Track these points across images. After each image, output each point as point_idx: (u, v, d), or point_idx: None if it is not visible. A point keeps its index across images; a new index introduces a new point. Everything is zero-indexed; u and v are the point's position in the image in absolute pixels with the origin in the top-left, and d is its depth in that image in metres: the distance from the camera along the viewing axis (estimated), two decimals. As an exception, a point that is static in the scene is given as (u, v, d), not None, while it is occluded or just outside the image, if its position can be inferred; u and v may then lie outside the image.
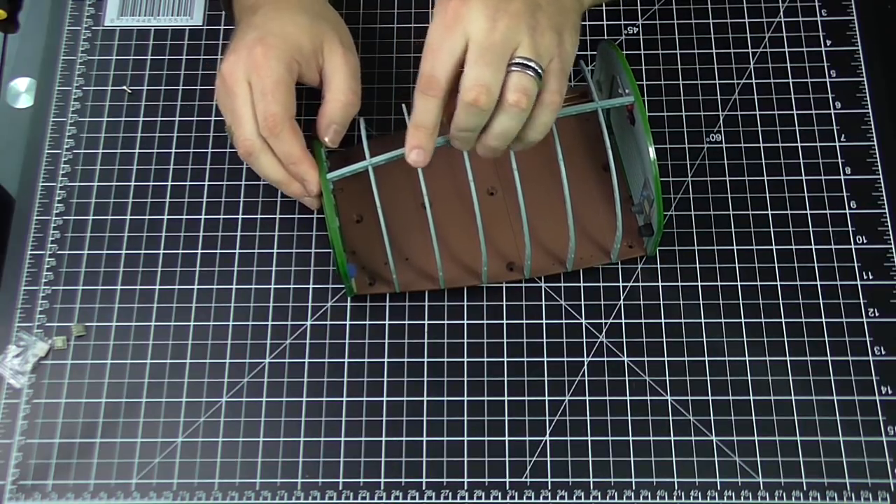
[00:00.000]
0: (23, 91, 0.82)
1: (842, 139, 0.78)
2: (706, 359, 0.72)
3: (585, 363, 0.72)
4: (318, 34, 0.69)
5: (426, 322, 0.73)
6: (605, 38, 0.82)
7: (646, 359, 0.72)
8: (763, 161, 0.78)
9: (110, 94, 0.81)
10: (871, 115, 0.79)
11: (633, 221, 0.75)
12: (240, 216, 0.77)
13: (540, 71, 0.59)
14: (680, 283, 0.74)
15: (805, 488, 0.68)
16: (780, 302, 0.73)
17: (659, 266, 0.75)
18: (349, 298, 0.74)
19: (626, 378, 0.71)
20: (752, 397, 0.71)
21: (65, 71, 0.82)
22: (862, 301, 0.73)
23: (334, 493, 0.69)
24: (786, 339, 0.72)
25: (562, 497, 0.69)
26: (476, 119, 0.60)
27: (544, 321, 0.73)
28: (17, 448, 0.71)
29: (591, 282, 0.74)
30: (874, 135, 0.78)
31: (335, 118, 0.69)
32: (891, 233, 0.75)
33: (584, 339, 0.73)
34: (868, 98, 0.80)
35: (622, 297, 0.74)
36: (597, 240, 0.74)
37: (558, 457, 0.69)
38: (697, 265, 0.75)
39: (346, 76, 0.69)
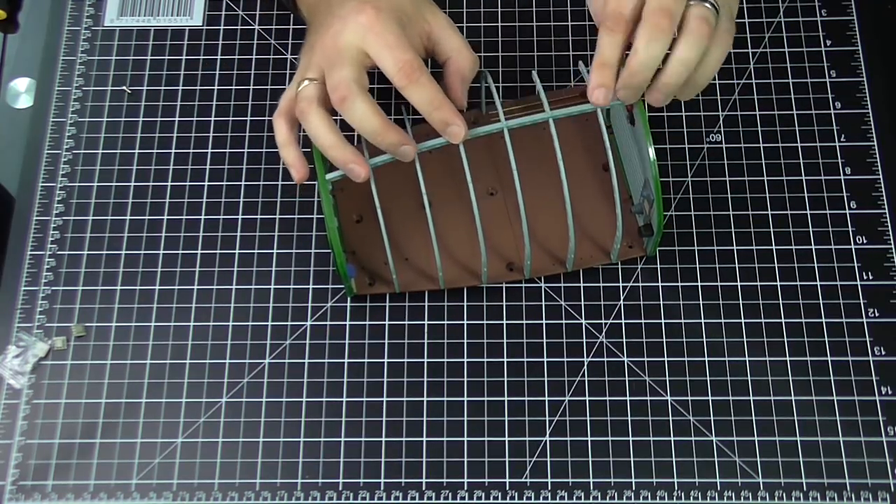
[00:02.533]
0: (22, 91, 0.82)
1: (842, 139, 0.78)
2: (706, 359, 0.72)
3: (585, 363, 0.72)
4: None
5: (426, 322, 0.73)
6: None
7: (646, 359, 0.72)
8: (763, 161, 0.78)
9: (110, 94, 0.81)
10: (871, 115, 0.79)
11: (633, 222, 0.75)
12: (240, 216, 0.77)
13: (717, 6, 0.61)
14: (680, 284, 0.74)
15: (805, 489, 0.68)
16: (780, 302, 0.73)
17: (659, 266, 0.75)
18: (349, 299, 0.74)
19: (626, 378, 0.71)
20: (752, 397, 0.71)
21: (64, 71, 0.82)
22: (862, 301, 0.73)
23: (334, 494, 0.69)
24: (786, 339, 0.72)
25: (562, 497, 0.69)
26: (657, 46, 0.60)
27: (544, 321, 0.73)
28: (17, 448, 0.71)
29: (591, 282, 0.74)
30: (874, 135, 0.78)
31: (465, 74, 0.68)
32: (891, 233, 0.75)
33: (584, 340, 0.73)
34: (868, 98, 0.79)
35: (622, 298, 0.74)
36: (597, 240, 0.74)
37: (558, 457, 0.69)
38: (697, 265, 0.75)
39: (460, 36, 0.68)
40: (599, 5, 0.63)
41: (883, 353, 0.72)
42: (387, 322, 0.74)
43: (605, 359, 0.72)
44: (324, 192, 0.67)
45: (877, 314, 0.73)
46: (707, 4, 0.61)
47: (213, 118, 0.80)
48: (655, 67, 0.61)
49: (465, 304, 0.74)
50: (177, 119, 0.80)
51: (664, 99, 0.63)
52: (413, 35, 0.66)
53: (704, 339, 0.72)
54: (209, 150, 0.79)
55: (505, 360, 0.72)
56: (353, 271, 0.73)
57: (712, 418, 0.70)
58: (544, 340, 0.73)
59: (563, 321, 0.73)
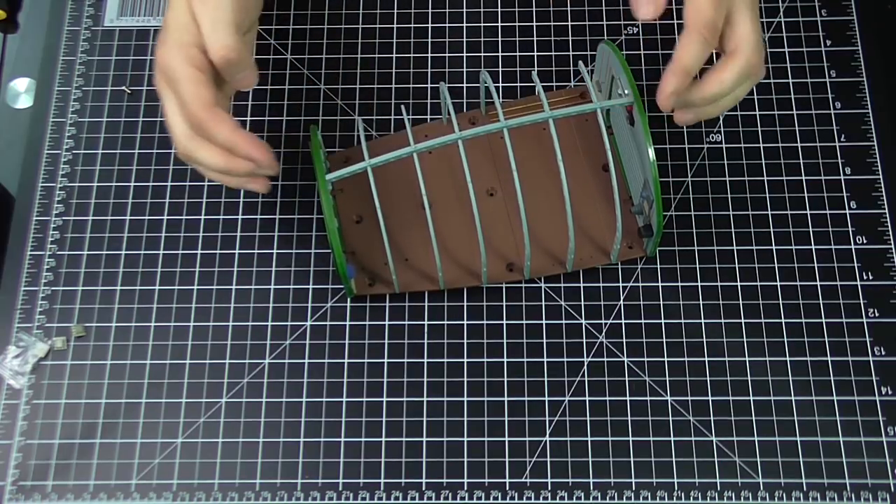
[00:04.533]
0: (22, 91, 0.82)
1: (842, 139, 0.78)
2: (706, 359, 0.72)
3: (585, 363, 0.72)
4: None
5: (426, 323, 0.73)
6: (605, 38, 0.82)
7: (646, 359, 0.72)
8: (763, 161, 0.78)
9: (110, 94, 0.81)
10: (871, 115, 0.79)
11: (633, 222, 0.75)
12: (240, 216, 0.77)
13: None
14: (680, 284, 0.74)
15: (805, 489, 0.68)
16: (780, 302, 0.73)
17: (659, 266, 0.75)
18: (349, 299, 0.74)
19: (626, 378, 0.71)
20: (752, 397, 0.71)
21: (64, 71, 0.82)
22: (862, 301, 0.73)
23: (334, 494, 0.69)
24: (786, 339, 0.72)
25: (562, 497, 0.69)
26: (747, 85, 0.63)
27: (544, 322, 0.73)
28: (17, 449, 0.71)
29: (591, 282, 0.74)
30: (874, 135, 0.78)
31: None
32: (891, 233, 0.75)
33: (584, 340, 0.73)
34: (868, 98, 0.79)
35: (622, 298, 0.74)
36: (596, 240, 0.74)
37: (558, 457, 0.69)
38: (697, 265, 0.75)
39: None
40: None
41: (883, 353, 0.72)
42: (387, 322, 0.74)
43: (605, 359, 0.72)
44: (324, 193, 0.67)
45: (877, 314, 0.73)
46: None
47: (212, 118, 0.80)
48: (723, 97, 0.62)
49: (465, 304, 0.74)
50: (177, 119, 0.80)
51: (693, 120, 0.65)
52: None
53: (704, 339, 0.72)
54: (209, 151, 0.79)
55: (505, 360, 0.72)
56: (353, 272, 0.73)
57: (712, 418, 0.70)
58: (544, 340, 0.73)
59: (563, 321, 0.73)
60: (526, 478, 0.69)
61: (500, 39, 0.83)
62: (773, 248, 0.75)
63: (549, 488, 0.69)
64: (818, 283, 0.74)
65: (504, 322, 0.73)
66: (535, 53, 0.82)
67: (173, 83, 0.62)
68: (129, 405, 0.72)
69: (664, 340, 0.72)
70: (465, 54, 0.82)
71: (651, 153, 0.67)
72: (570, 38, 0.82)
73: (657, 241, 0.72)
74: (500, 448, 0.70)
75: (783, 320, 0.73)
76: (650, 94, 0.79)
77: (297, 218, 0.77)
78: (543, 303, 0.74)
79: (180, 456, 0.70)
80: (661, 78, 0.62)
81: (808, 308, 0.73)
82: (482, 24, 0.83)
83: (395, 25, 0.83)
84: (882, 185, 0.77)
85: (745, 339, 0.72)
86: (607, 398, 0.71)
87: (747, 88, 0.65)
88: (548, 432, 0.70)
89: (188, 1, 0.63)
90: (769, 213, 0.76)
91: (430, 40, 0.83)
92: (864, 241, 0.75)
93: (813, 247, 0.75)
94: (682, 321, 0.73)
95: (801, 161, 0.78)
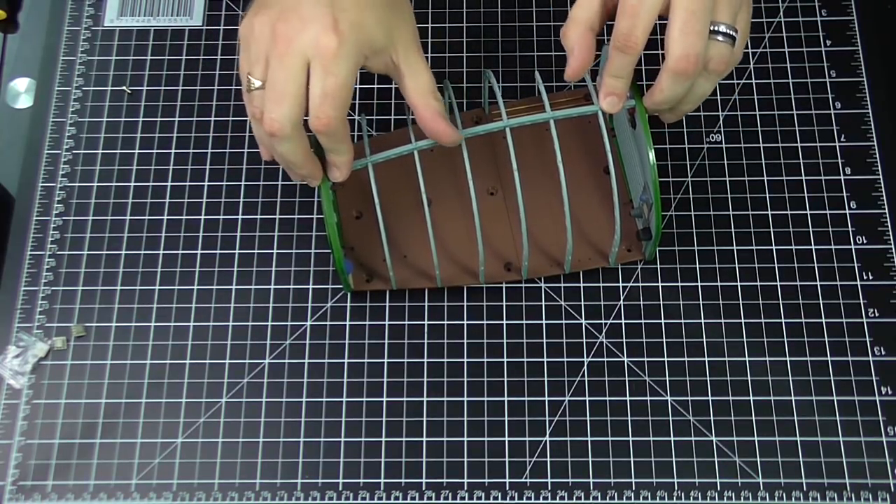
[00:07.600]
0: (22, 91, 0.82)
1: (842, 139, 0.78)
2: (706, 359, 0.72)
3: (585, 363, 0.72)
4: (392, 29, 0.63)
5: (426, 322, 0.73)
6: (607, 39, 0.81)
7: (645, 359, 0.72)
8: (763, 161, 0.78)
9: (110, 94, 0.81)
10: (871, 115, 0.79)
11: (633, 225, 0.75)
12: (239, 216, 0.77)
13: (735, 36, 0.60)
14: (680, 284, 0.74)
15: (805, 489, 0.68)
16: (780, 302, 0.73)
17: (659, 266, 0.75)
18: (349, 299, 0.74)
19: (626, 378, 0.71)
20: (751, 397, 0.71)
21: (64, 71, 0.82)
22: (862, 301, 0.73)
23: (334, 494, 0.69)
24: (786, 339, 0.72)
25: (562, 497, 0.69)
26: (682, 88, 0.61)
27: (544, 322, 0.73)
28: (17, 448, 0.71)
29: (591, 282, 0.74)
30: (874, 135, 0.78)
31: (434, 116, 0.64)
32: (891, 233, 0.75)
33: (584, 340, 0.73)
34: (868, 98, 0.80)
35: (622, 298, 0.74)
36: (595, 243, 0.74)
37: (558, 457, 0.69)
38: (697, 265, 0.75)
39: (423, 75, 0.64)
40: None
41: (883, 353, 0.72)
42: (387, 322, 0.74)
43: (605, 359, 0.72)
44: (324, 188, 0.67)
45: (877, 314, 0.73)
46: (728, 41, 0.60)
47: (213, 118, 0.80)
48: (677, 101, 0.62)
49: (464, 304, 0.74)
50: (177, 119, 0.80)
51: (674, 119, 0.66)
52: (374, 65, 0.63)
53: (704, 339, 0.72)
54: (209, 150, 0.79)
55: (505, 360, 0.72)
56: (351, 267, 0.73)
57: (712, 418, 0.70)
58: (544, 340, 0.73)
59: (563, 321, 0.73)
60: (526, 478, 0.69)
61: (500, 39, 0.83)
62: (773, 248, 0.75)
63: (549, 488, 0.69)
64: (818, 283, 0.74)
65: (504, 322, 0.73)
66: (536, 53, 0.82)
67: (324, 81, 0.60)
68: (129, 405, 0.72)
69: (664, 340, 0.72)
70: (465, 54, 0.82)
71: (651, 157, 0.66)
72: (570, 38, 0.82)
73: (656, 244, 0.72)
74: (500, 448, 0.70)
75: (783, 320, 0.73)
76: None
77: (297, 218, 0.77)
78: (543, 303, 0.74)
79: (180, 456, 0.70)
80: None
81: (808, 308, 0.73)
82: (482, 24, 0.83)
83: (395, 25, 0.83)
84: (882, 185, 0.77)
85: (745, 339, 0.72)
86: (607, 398, 0.71)
87: (706, 86, 0.63)
88: (548, 432, 0.70)
89: (392, 43, 0.63)
90: (769, 213, 0.76)
91: (430, 40, 0.82)
92: (864, 241, 0.75)
93: (813, 247, 0.75)
94: (682, 321, 0.73)
95: (801, 161, 0.78)
